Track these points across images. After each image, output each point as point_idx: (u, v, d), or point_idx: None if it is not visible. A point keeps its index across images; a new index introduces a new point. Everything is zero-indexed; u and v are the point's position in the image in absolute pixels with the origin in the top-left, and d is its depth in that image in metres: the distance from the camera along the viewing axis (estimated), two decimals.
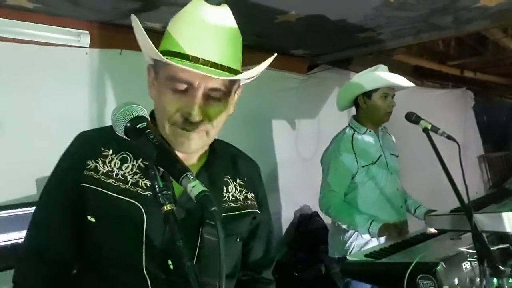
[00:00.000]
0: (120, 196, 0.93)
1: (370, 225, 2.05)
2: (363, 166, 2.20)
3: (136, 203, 0.92)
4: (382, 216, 2.15)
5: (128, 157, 0.98)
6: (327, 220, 3.61)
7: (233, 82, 0.98)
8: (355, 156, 2.20)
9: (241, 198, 1.08)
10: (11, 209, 1.95)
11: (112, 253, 0.93)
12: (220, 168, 1.08)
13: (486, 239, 1.27)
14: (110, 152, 0.98)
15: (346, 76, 4.16)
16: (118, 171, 0.96)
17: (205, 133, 0.95)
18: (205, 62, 0.89)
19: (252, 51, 3.49)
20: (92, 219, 0.94)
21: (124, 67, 2.52)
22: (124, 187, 0.94)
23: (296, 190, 3.76)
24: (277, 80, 3.57)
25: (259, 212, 1.11)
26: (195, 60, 0.88)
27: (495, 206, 1.72)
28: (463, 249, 1.43)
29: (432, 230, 1.82)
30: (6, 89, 2.19)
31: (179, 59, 0.88)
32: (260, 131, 3.58)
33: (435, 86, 5.64)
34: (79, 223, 0.96)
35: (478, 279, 1.29)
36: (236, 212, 1.05)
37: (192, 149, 0.95)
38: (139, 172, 0.96)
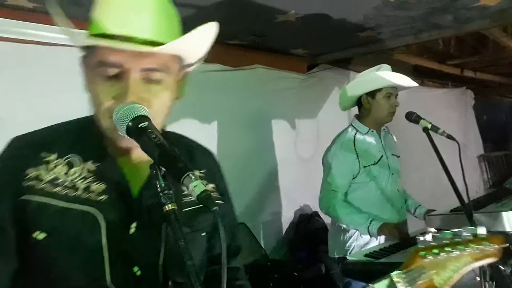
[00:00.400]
0: (71, 205, 0.83)
1: (370, 224, 2.05)
2: (364, 167, 2.20)
3: (90, 211, 0.84)
4: (382, 216, 2.15)
5: (76, 160, 0.88)
6: (327, 220, 3.61)
7: (174, 61, 0.88)
8: (357, 156, 2.20)
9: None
10: None
11: (69, 272, 0.83)
12: None
13: None
14: (55, 156, 0.87)
15: (346, 75, 4.17)
16: (65, 177, 0.85)
17: None
18: (135, 40, 0.80)
19: (252, 51, 3.52)
20: (40, 236, 0.82)
21: None
22: (74, 194, 0.84)
23: (296, 190, 3.77)
24: (277, 79, 3.57)
25: (221, 202, 1.04)
26: (122, 39, 0.80)
27: (495, 206, 1.72)
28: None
29: (432, 230, 1.82)
30: (6, 89, 2.19)
31: (104, 40, 0.80)
32: (260, 131, 3.58)
33: (435, 86, 5.64)
34: (21, 244, 0.84)
35: (478, 279, 1.29)
36: (199, 206, 0.95)
37: (135, 143, 0.85)
38: (90, 175, 0.87)
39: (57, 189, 0.84)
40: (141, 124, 0.78)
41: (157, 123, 0.86)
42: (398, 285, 0.88)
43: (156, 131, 0.78)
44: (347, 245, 2.23)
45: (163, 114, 0.89)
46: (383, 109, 2.22)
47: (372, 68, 2.27)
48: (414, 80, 2.28)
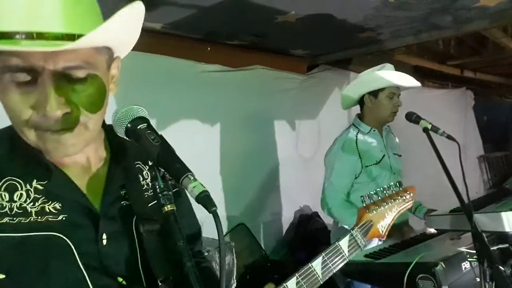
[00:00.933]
0: (28, 234, 0.73)
1: None
2: (366, 166, 2.20)
3: (53, 233, 0.74)
4: None
5: (16, 184, 0.76)
6: (327, 220, 3.62)
7: (98, 54, 0.75)
8: (359, 156, 2.20)
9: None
10: None
11: None
12: (128, 156, 0.90)
13: (486, 239, 1.27)
14: None
15: (346, 76, 4.17)
16: (11, 204, 0.74)
17: (82, 127, 0.75)
18: (43, 36, 0.65)
19: (252, 51, 3.52)
20: (1, 276, 0.71)
21: (123, 68, 2.51)
22: (28, 221, 0.74)
23: (296, 191, 3.77)
24: (277, 80, 3.57)
25: (178, 189, 0.97)
26: (28, 36, 0.64)
27: (495, 206, 1.72)
28: (463, 249, 1.43)
29: (432, 230, 1.82)
30: None
31: (4, 41, 0.64)
32: (260, 132, 3.58)
33: (435, 86, 5.65)
34: None
35: (478, 279, 1.29)
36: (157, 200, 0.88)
37: (71, 151, 0.76)
38: (39, 196, 0.76)
39: (5, 219, 0.73)
40: (140, 126, 0.78)
41: (92, 128, 0.77)
42: (356, 238, 1.14)
43: (155, 132, 0.78)
44: None
45: (97, 116, 0.78)
46: (386, 109, 2.22)
47: (375, 67, 2.27)
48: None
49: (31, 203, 0.76)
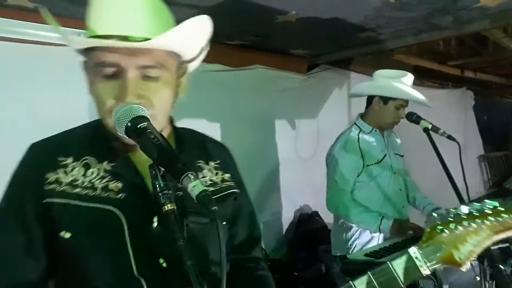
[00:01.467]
0: (92, 205, 0.87)
1: (381, 222, 2.05)
2: (368, 165, 2.20)
3: (111, 208, 0.87)
4: (385, 219, 2.15)
5: (92, 162, 0.91)
6: (327, 219, 3.62)
7: (170, 57, 0.90)
8: (361, 155, 2.21)
9: (218, 180, 1.04)
10: None
11: (98, 265, 0.86)
12: (190, 154, 1.01)
13: None
14: (70, 160, 0.91)
15: (346, 76, 4.17)
16: (83, 178, 0.89)
17: (152, 118, 0.86)
18: (130, 39, 0.83)
19: (252, 51, 3.52)
20: (67, 235, 0.86)
21: None
22: (93, 194, 0.88)
23: (296, 190, 3.77)
24: (277, 80, 3.57)
25: (239, 191, 1.07)
26: (117, 39, 0.82)
27: None
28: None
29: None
30: (6, 89, 2.20)
31: (97, 40, 0.84)
32: (260, 131, 3.58)
33: (435, 86, 5.65)
34: (49, 243, 0.88)
35: (478, 278, 1.29)
36: (218, 196, 1.00)
37: None
38: (106, 175, 0.90)
39: (77, 190, 0.88)
40: (140, 125, 0.78)
41: (159, 120, 0.90)
42: (416, 260, 0.88)
43: (155, 131, 0.78)
44: (349, 243, 2.24)
45: (164, 111, 0.92)
46: (390, 117, 2.24)
47: (396, 71, 2.26)
48: (414, 80, 2.28)
49: (99, 180, 0.90)
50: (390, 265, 0.91)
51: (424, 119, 1.73)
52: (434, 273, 1.28)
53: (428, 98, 2.29)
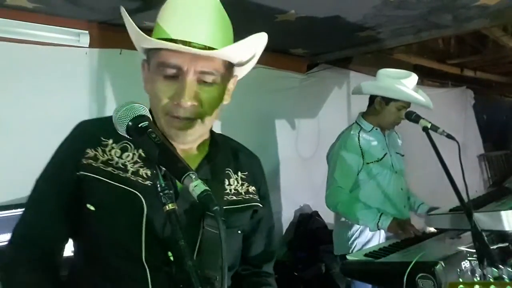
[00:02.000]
0: (120, 185, 0.92)
1: (379, 219, 2.05)
2: (368, 163, 2.20)
3: (136, 192, 0.91)
4: (384, 216, 2.15)
5: (129, 146, 0.97)
6: (327, 219, 3.62)
7: (226, 68, 0.97)
8: (361, 153, 2.21)
9: (242, 191, 1.07)
10: (11, 209, 1.95)
11: (112, 242, 0.92)
12: (221, 160, 1.06)
13: (485, 238, 1.28)
14: (111, 141, 0.97)
15: (345, 75, 4.17)
16: (118, 159, 0.95)
17: (199, 120, 0.94)
18: (193, 45, 0.89)
19: None
20: (92, 208, 0.92)
21: (123, 67, 2.52)
22: (124, 175, 0.93)
23: (296, 190, 3.77)
24: (277, 79, 3.57)
25: (261, 206, 1.10)
26: (183, 43, 0.88)
27: (494, 205, 1.72)
28: (463, 248, 1.43)
29: (432, 229, 1.83)
30: (6, 89, 2.20)
31: (168, 43, 0.89)
32: (260, 131, 3.58)
33: (435, 85, 5.63)
34: (76, 212, 0.94)
35: (478, 278, 1.29)
36: (238, 206, 1.04)
37: (188, 139, 0.96)
38: (139, 161, 0.95)
39: (110, 169, 0.93)
40: (141, 124, 0.78)
41: (207, 124, 0.97)
42: None
43: (156, 130, 0.79)
44: (349, 242, 2.24)
45: (214, 115, 0.98)
46: (390, 118, 2.24)
47: (400, 71, 2.25)
48: None
49: (132, 164, 0.95)
50: None
51: (423, 118, 1.72)
52: (433, 272, 1.28)
53: (428, 97, 2.29)
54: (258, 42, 0.98)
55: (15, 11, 2.19)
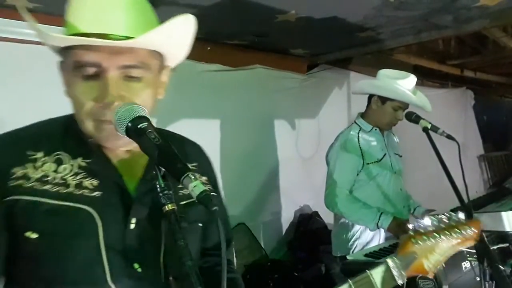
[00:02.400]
0: (63, 203, 0.81)
1: (379, 219, 2.04)
2: (367, 164, 2.20)
3: (84, 207, 0.81)
4: (384, 215, 2.14)
5: (64, 158, 0.86)
6: (327, 220, 3.62)
7: (154, 58, 0.87)
8: (361, 153, 2.21)
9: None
10: None
11: (66, 270, 0.80)
12: None
13: (486, 238, 1.27)
14: (41, 154, 0.84)
15: (346, 75, 4.17)
16: (55, 174, 0.83)
17: None
18: (111, 37, 0.78)
19: (252, 51, 3.52)
20: (33, 235, 0.79)
21: None
22: (66, 191, 0.82)
23: (296, 190, 3.77)
24: (277, 79, 3.57)
25: (215, 194, 1.03)
26: (98, 37, 0.78)
27: (495, 206, 1.72)
28: (463, 248, 1.43)
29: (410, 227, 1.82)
30: (6, 89, 2.20)
31: (82, 38, 0.78)
32: (260, 131, 3.58)
33: (435, 86, 5.64)
34: (11, 244, 0.81)
35: (478, 279, 1.29)
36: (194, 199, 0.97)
37: (120, 143, 0.85)
38: (81, 171, 0.85)
39: (47, 186, 0.82)
40: (140, 125, 0.78)
41: None
42: (393, 270, 0.97)
43: (156, 131, 0.78)
44: (349, 243, 2.24)
45: (148, 110, 0.85)
46: (386, 118, 2.23)
47: (398, 72, 2.24)
48: None
49: (73, 176, 0.84)
50: (369, 274, 0.97)
51: (423, 119, 1.72)
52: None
53: (428, 98, 2.28)
54: (185, 25, 0.86)
55: (15, 11, 2.19)
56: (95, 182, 0.85)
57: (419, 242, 1.00)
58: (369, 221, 2.09)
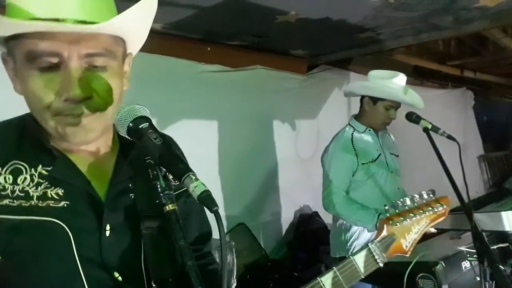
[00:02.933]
0: (27, 217, 0.73)
1: (378, 220, 2.04)
2: (363, 164, 2.21)
3: (52, 219, 0.74)
4: (382, 215, 2.15)
5: (21, 167, 0.77)
6: (327, 220, 3.62)
7: (117, 45, 0.78)
8: (355, 153, 2.21)
9: (170, 177, 0.92)
10: None
11: None
12: (137, 150, 0.88)
13: (486, 238, 1.28)
14: None
15: (345, 76, 4.17)
16: (13, 186, 0.75)
17: (98, 113, 0.75)
18: (67, 21, 0.69)
19: (252, 51, 3.52)
20: None
21: None
22: (28, 204, 0.74)
23: (296, 190, 3.77)
24: (277, 80, 3.58)
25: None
26: (51, 22, 0.68)
27: (494, 206, 1.73)
28: (463, 248, 1.44)
29: (432, 230, 1.82)
30: (6, 89, 2.20)
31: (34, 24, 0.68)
32: (260, 131, 3.58)
33: (434, 86, 5.65)
34: None
35: (478, 278, 1.29)
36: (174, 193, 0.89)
37: (90, 136, 0.77)
38: (43, 181, 0.77)
39: (5, 201, 0.74)
40: (142, 125, 0.78)
41: (110, 116, 0.78)
42: (374, 253, 1.01)
43: (157, 131, 0.78)
44: (348, 244, 2.24)
45: (115, 104, 0.78)
46: (379, 118, 2.24)
47: (387, 72, 2.24)
48: (413, 81, 2.28)
49: (34, 187, 0.76)
50: (352, 259, 1.01)
51: (424, 119, 1.72)
52: (434, 272, 1.28)
53: (428, 98, 2.29)
54: (148, 9, 0.78)
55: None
56: (60, 191, 0.77)
57: (397, 223, 1.04)
58: (367, 222, 2.09)
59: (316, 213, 3.72)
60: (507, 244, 1.40)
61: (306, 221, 3.66)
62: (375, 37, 3.17)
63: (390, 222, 1.04)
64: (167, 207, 0.75)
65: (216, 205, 0.68)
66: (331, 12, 2.55)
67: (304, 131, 3.88)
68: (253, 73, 3.35)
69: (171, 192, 0.76)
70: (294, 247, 3.59)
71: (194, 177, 0.70)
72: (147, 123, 0.78)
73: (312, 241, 3.48)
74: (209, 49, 2.98)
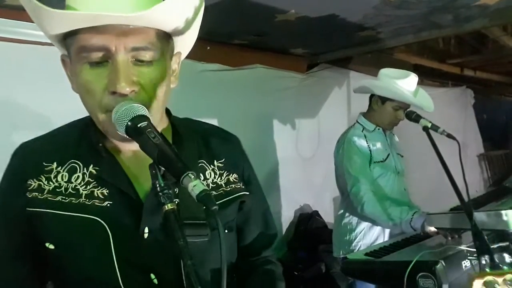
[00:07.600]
0: (75, 214, 0.80)
1: (412, 219, 1.92)
2: (374, 162, 2.19)
3: (96, 218, 0.80)
4: (417, 214, 2.06)
5: (77, 166, 0.84)
6: (327, 219, 3.62)
7: (163, 39, 0.81)
8: (370, 151, 2.19)
9: (222, 183, 0.94)
10: None
11: (83, 280, 0.81)
12: (189, 152, 0.91)
13: (486, 237, 1.28)
14: (55, 165, 0.84)
15: (346, 75, 4.17)
16: (67, 184, 0.82)
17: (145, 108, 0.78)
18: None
19: (251, 50, 3.51)
20: (51, 247, 0.81)
21: None
22: (77, 202, 0.81)
23: (296, 190, 3.77)
24: (277, 79, 3.57)
25: (247, 193, 0.97)
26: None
27: (495, 204, 1.72)
28: (463, 247, 1.43)
29: (432, 229, 1.82)
30: (5, 89, 2.19)
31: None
32: (260, 131, 3.58)
33: (435, 85, 5.64)
34: (37, 252, 0.83)
35: None
36: (220, 201, 0.90)
37: None
38: (92, 180, 0.83)
39: (59, 198, 0.81)
40: (140, 124, 0.77)
41: (154, 112, 0.81)
42: None
43: (156, 130, 0.77)
44: (353, 244, 2.22)
45: (159, 100, 0.82)
46: (387, 118, 2.22)
47: (399, 71, 2.21)
48: None
49: (84, 186, 0.82)
50: None
51: (423, 118, 1.72)
52: (434, 271, 1.28)
53: (430, 99, 2.27)
54: (190, 1, 0.81)
55: (15, 11, 2.19)
56: (105, 192, 0.82)
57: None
58: (401, 221, 1.97)
59: (316, 212, 3.72)
60: (507, 243, 1.40)
61: (306, 220, 3.66)
62: (375, 35, 3.16)
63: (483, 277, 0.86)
64: (165, 206, 0.74)
65: (216, 204, 0.67)
66: (331, 11, 2.55)
67: (304, 130, 3.88)
68: (253, 72, 3.35)
69: (170, 191, 0.75)
70: (294, 246, 3.59)
71: (193, 176, 0.69)
72: (146, 122, 0.77)
73: (312, 240, 3.48)
74: (208, 48, 2.98)
